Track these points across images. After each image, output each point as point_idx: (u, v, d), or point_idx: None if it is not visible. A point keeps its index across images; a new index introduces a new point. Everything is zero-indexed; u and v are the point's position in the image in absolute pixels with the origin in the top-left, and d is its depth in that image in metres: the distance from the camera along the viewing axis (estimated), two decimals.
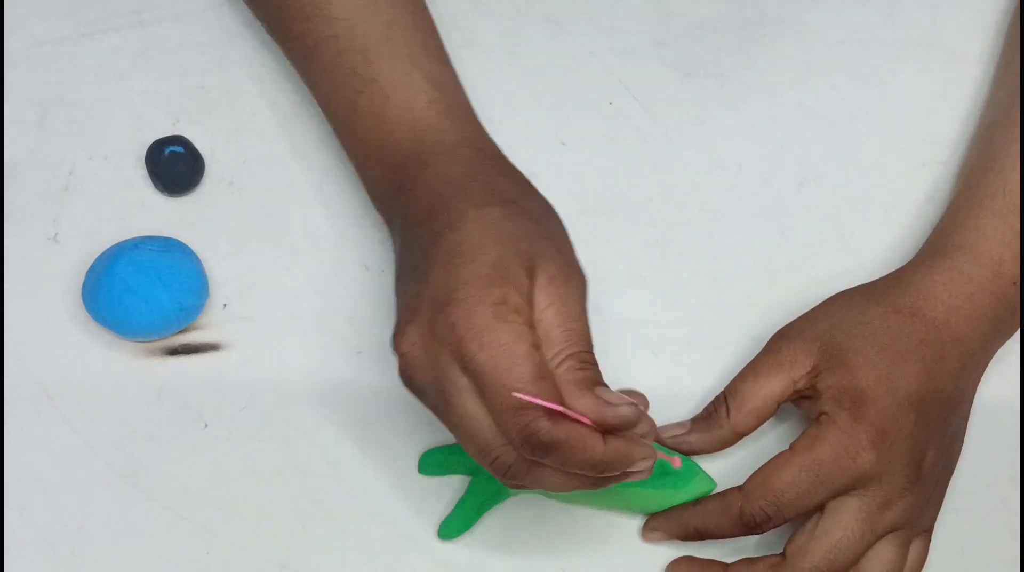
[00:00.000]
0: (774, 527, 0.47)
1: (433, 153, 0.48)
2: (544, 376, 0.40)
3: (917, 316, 0.49)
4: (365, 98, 0.49)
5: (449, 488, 0.51)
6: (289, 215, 0.56)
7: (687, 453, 0.50)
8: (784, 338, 0.50)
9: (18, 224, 0.55)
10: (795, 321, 0.51)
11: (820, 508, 0.47)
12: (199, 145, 0.56)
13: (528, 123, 0.57)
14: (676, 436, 0.50)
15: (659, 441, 0.50)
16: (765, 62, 0.59)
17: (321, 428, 0.52)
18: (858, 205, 0.56)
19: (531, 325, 0.42)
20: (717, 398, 0.50)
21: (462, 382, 0.41)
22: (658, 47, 0.60)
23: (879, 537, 0.47)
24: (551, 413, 0.39)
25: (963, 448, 0.51)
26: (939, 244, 0.52)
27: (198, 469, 0.51)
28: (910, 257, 0.54)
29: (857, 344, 0.48)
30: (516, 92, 0.58)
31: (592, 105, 0.58)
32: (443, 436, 0.52)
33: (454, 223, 0.44)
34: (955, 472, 0.51)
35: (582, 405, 0.40)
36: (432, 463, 0.51)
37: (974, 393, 0.51)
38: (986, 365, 0.51)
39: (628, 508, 0.51)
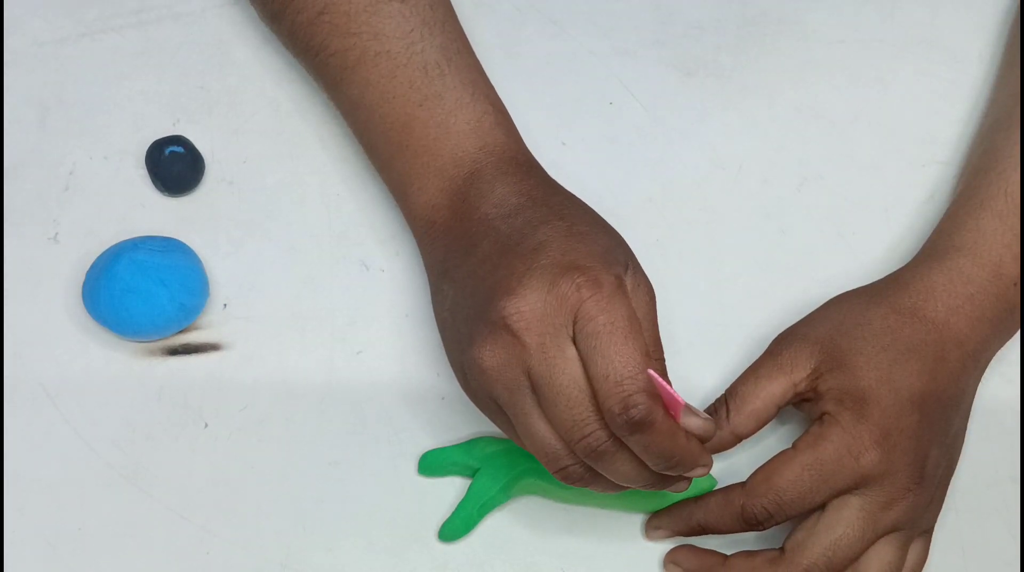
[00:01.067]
0: (775, 524, 0.47)
1: (506, 163, 0.49)
2: (651, 355, 0.42)
3: (918, 317, 0.49)
4: (426, 111, 0.49)
5: (450, 488, 0.51)
6: (289, 215, 0.56)
7: None
8: (784, 341, 0.50)
9: (18, 224, 0.55)
10: (795, 325, 0.51)
11: (822, 506, 0.47)
12: (199, 145, 0.56)
13: (528, 123, 0.57)
14: None
15: None
16: (765, 62, 0.59)
17: (321, 428, 0.52)
18: (858, 205, 0.56)
19: None
20: (718, 400, 0.50)
21: (572, 352, 0.41)
22: (658, 47, 0.60)
23: (879, 536, 0.47)
24: (649, 385, 0.41)
25: (963, 448, 0.51)
26: (939, 245, 0.52)
27: (198, 469, 0.51)
28: (910, 257, 0.54)
29: (858, 345, 0.48)
30: (516, 92, 0.58)
31: (592, 105, 0.58)
32: (439, 439, 0.52)
33: (562, 212, 0.45)
34: (955, 472, 0.51)
35: (675, 403, 0.42)
36: (432, 464, 0.51)
37: (974, 393, 0.51)
38: (986, 365, 0.51)
39: (629, 507, 0.51)
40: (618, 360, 0.40)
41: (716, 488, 0.49)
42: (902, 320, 0.48)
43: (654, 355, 0.43)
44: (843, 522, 0.46)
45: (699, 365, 0.53)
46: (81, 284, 0.52)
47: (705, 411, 0.50)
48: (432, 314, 0.54)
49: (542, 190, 0.48)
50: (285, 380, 0.53)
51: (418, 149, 0.50)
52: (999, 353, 0.53)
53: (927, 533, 0.49)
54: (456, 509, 0.50)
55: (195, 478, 0.51)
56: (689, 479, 0.45)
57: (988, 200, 0.51)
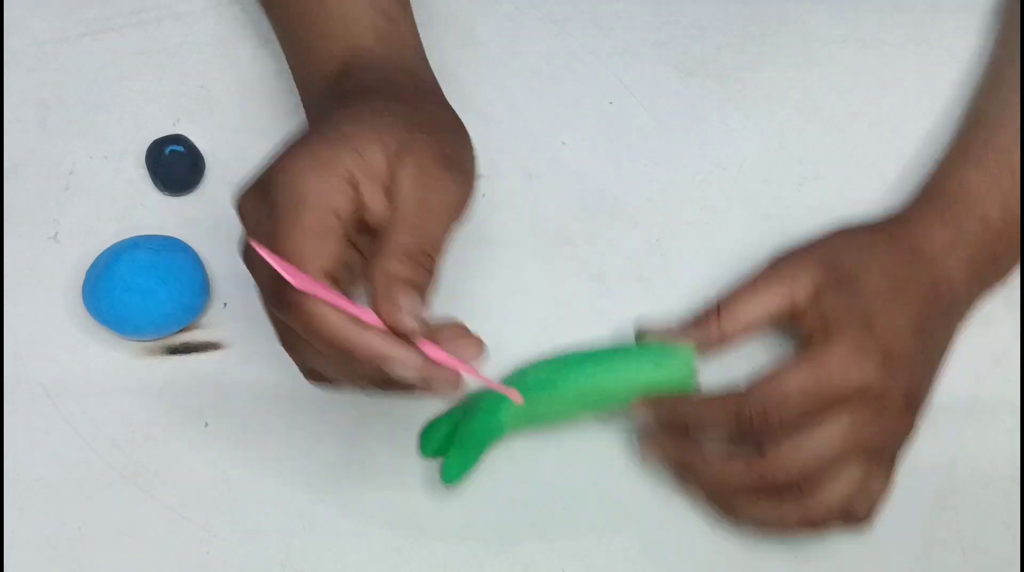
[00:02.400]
0: (768, 428, 0.46)
1: (363, 69, 0.48)
2: (325, 235, 0.40)
3: (916, 253, 0.50)
4: (312, 8, 0.50)
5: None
6: None
7: None
8: (784, 257, 0.50)
9: (18, 223, 0.55)
10: (795, 246, 0.51)
11: (814, 417, 0.47)
12: (199, 144, 0.56)
13: (528, 123, 0.57)
14: (664, 334, 0.51)
15: (641, 339, 0.51)
16: (766, 62, 0.59)
17: (321, 427, 0.52)
18: (858, 205, 0.56)
19: (366, 199, 0.41)
20: (710, 304, 0.50)
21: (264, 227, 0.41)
22: (658, 47, 0.60)
23: (858, 452, 0.47)
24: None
25: (963, 448, 0.51)
26: (932, 193, 0.53)
27: (198, 468, 0.51)
28: None
29: (863, 266, 0.49)
30: (516, 92, 0.58)
31: (592, 105, 0.58)
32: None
33: (339, 107, 0.44)
34: (955, 472, 0.51)
35: (376, 293, 0.40)
36: (431, 443, 0.50)
37: (956, 336, 0.52)
38: (967, 312, 0.52)
39: (622, 396, 0.49)
40: (269, 243, 0.40)
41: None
42: (902, 254, 0.50)
43: (416, 242, 0.41)
44: (828, 435, 0.46)
45: (698, 364, 0.53)
46: (81, 283, 0.52)
47: (696, 314, 0.50)
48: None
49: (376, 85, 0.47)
50: (285, 379, 0.53)
51: (302, 46, 0.51)
52: (999, 353, 0.53)
53: (895, 458, 0.49)
54: (450, 453, 0.49)
55: (195, 477, 0.51)
56: (436, 386, 0.41)
57: (976, 154, 0.53)
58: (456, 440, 0.49)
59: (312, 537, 0.50)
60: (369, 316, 0.40)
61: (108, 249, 0.52)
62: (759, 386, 0.47)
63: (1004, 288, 0.55)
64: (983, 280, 0.52)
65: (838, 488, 0.47)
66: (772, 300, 0.49)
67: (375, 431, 0.52)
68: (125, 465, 0.51)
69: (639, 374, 0.49)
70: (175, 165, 0.55)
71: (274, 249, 0.39)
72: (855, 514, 0.47)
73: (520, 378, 0.50)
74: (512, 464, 0.51)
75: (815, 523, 0.47)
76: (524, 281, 0.54)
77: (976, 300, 0.52)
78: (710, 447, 0.48)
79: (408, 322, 0.40)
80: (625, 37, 0.60)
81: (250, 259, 0.41)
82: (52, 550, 0.50)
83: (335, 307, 0.39)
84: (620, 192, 0.57)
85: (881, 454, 0.48)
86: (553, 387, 0.49)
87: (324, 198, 0.40)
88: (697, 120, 0.58)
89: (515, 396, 0.45)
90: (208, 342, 0.53)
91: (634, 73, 0.59)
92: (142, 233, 0.54)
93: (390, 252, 0.41)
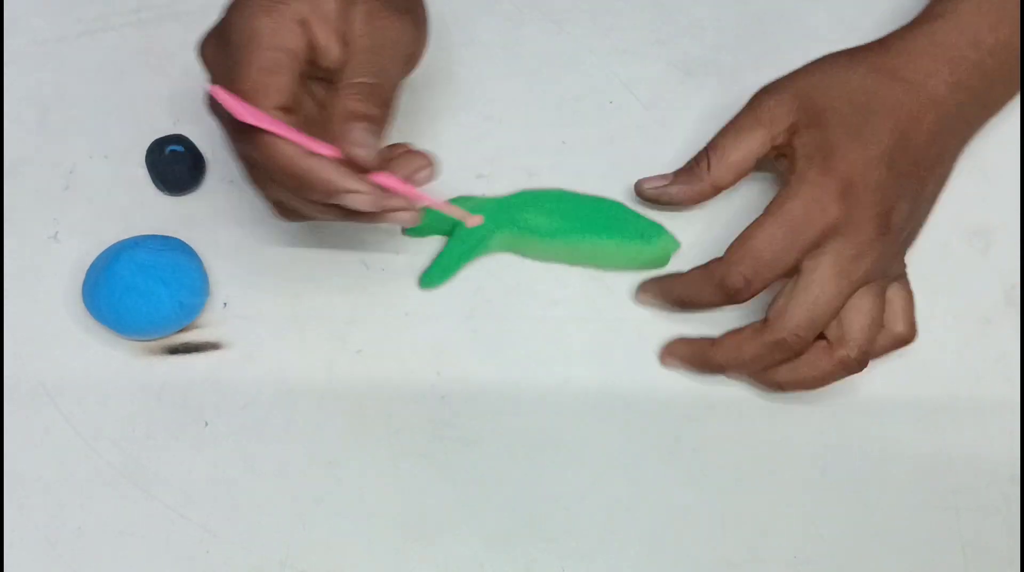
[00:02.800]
0: (754, 293, 0.48)
1: None
2: (276, 71, 0.42)
3: (896, 77, 0.50)
4: None
5: (448, 486, 0.51)
6: None
7: (668, 204, 0.53)
8: (764, 95, 0.52)
9: (18, 223, 0.55)
10: (779, 79, 0.52)
11: (797, 270, 0.48)
12: (200, 144, 0.56)
13: (528, 123, 0.57)
14: (657, 186, 0.53)
15: (640, 191, 0.54)
16: (766, 61, 0.59)
17: (321, 428, 0.52)
18: None
19: (320, 40, 0.44)
20: (699, 153, 0.52)
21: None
22: (658, 46, 0.60)
23: (855, 290, 0.48)
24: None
25: (962, 447, 0.51)
26: (920, 19, 0.53)
27: (198, 468, 0.51)
28: (910, 254, 0.54)
29: (834, 103, 0.49)
30: (516, 92, 0.58)
31: (592, 105, 0.58)
32: (438, 439, 0.52)
33: None
34: (955, 471, 0.51)
35: (334, 130, 0.42)
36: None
37: (953, 162, 0.53)
38: (966, 137, 0.53)
39: (602, 263, 0.54)
40: (224, 82, 0.42)
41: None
42: (880, 79, 0.50)
43: (370, 78, 0.43)
44: (818, 280, 0.47)
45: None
46: (81, 283, 0.52)
47: (687, 163, 0.53)
48: (432, 313, 0.54)
49: None
50: (285, 379, 0.53)
51: None
52: (998, 352, 0.53)
53: (902, 277, 0.51)
54: (435, 260, 0.53)
55: (195, 477, 0.51)
56: (395, 213, 0.44)
57: None
58: (441, 254, 0.53)
59: (312, 537, 0.50)
60: (325, 149, 0.42)
61: (108, 249, 0.52)
62: (733, 249, 0.48)
63: (1004, 286, 0.55)
64: (980, 101, 0.52)
65: (858, 322, 0.48)
66: (754, 142, 0.51)
67: (375, 431, 0.52)
68: (125, 464, 0.51)
69: (627, 249, 0.53)
70: (175, 165, 0.55)
71: (231, 88, 0.42)
72: (896, 332, 0.50)
73: (520, 209, 0.53)
74: (512, 464, 0.51)
75: (853, 362, 0.49)
76: (524, 280, 0.54)
77: (975, 124, 0.53)
78: (721, 338, 0.50)
79: (360, 153, 0.42)
80: (625, 37, 0.60)
81: (212, 103, 0.43)
82: (52, 550, 0.50)
83: (291, 141, 0.42)
84: (620, 192, 0.57)
85: (883, 279, 0.49)
86: (549, 236, 0.53)
87: (276, 37, 0.43)
88: (698, 119, 0.58)
89: (473, 220, 0.48)
90: (208, 342, 0.53)
91: (634, 73, 0.59)
92: (142, 233, 0.54)
93: (345, 89, 0.43)
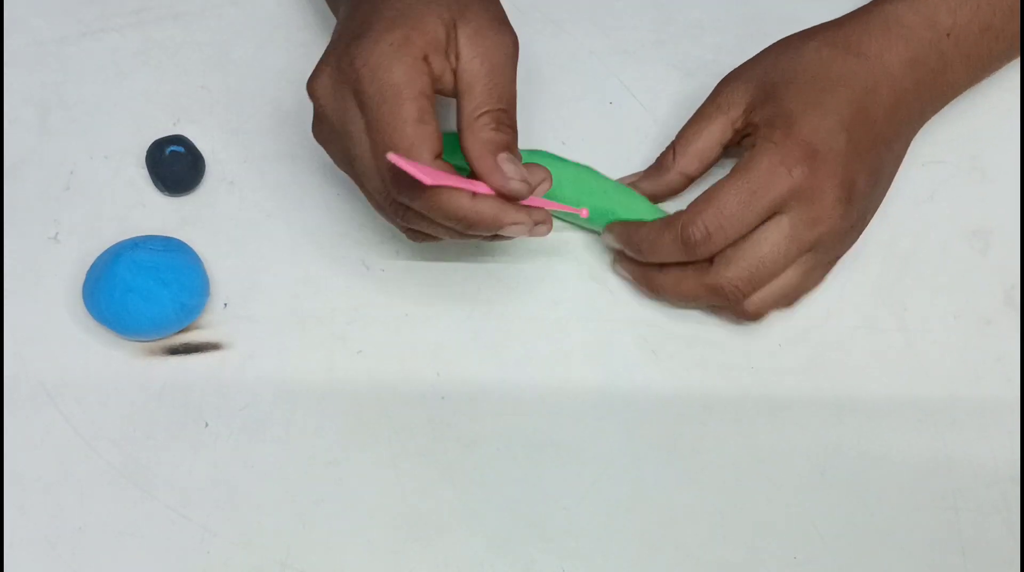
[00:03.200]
0: (715, 249, 0.49)
1: None
2: (426, 120, 0.43)
3: (850, 51, 0.51)
4: None
5: (448, 486, 0.51)
6: (289, 215, 0.56)
7: None
8: (723, 84, 0.53)
9: (19, 223, 0.55)
10: (738, 67, 0.53)
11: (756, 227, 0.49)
12: (199, 145, 0.56)
13: (528, 123, 0.57)
14: (628, 183, 0.54)
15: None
16: None
17: (321, 428, 0.52)
18: None
19: (437, 71, 0.45)
20: (667, 147, 0.53)
21: (360, 123, 0.44)
22: (658, 47, 0.60)
23: (800, 255, 0.49)
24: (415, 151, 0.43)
25: (962, 447, 0.52)
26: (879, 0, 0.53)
27: (198, 468, 0.51)
28: (910, 255, 0.55)
29: (789, 76, 0.50)
30: (516, 92, 0.58)
31: (592, 105, 0.58)
32: (439, 439, 0.52)
33: None
34: (955, 471, 0.51)
35: (481, 167, 0.45)
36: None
37: (907, 143, 0.53)
38: (920, 120, 0.54)
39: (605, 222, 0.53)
40: (376, 135, 0.43)
41: None
42: (834, 52, 0.51)
43: (499, 105, 0.45)
44: (770, 239, 0.48)
45: (699, 365, 0.53)
46: (82, 283, 0.52)
47: (657, 159, 0.54)
48: (432, 314, 0.54)
49: None
50: (285, 379, 0.53)
51: None
52: (998, 351, 0.53)
53: (832, 262, 0.52)
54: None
55: (195, 477, 0.51)
56: (514, 232, 0.46)
57: None
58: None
59: (312, 537, 0.50)
60: (481, 187, 0.44)
61: (108, 249, 0.52)
62: (696, 205, 0.49)
63: (1004, 286, 0.55)
64: (934, 83, 0.52)
65: (777, 286, 0.49)
66: (715, 129, 0.52)
67: (375, 431, 0.52)
68: (125, 464, 0.51)
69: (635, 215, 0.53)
70: (175, 165, 0.55)
71: (387, 144, 0.43)
72: (784, 304, 0.51)
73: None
74: (512, 464, 0.51)
75: (747, 314, 0.50)
76: (524, 280, 0.54)
77: (929, 106, 0.53)
78: (668, 268, 0.51)
79: (517, 187, 0.45)
80: (625, 37, 0.60)
81: (391, 167, 0.43)
82: (52, 549, 0.50)
83: (457, 189, 0.44)
84: None
85: (823, 253, 0.50)
86: (573, 197, 0.52)
87: (414, 84, 0.43)
88: None
89: (584, 213, 0.49)
90: (208, 342, 0.53)
91: (634, 73, 0.59)
92: (142, 233, 0.54)
93: (475, 120, 0.45)
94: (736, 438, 0.52)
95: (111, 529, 0.50)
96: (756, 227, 0.49)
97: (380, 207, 0.47)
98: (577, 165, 0.53)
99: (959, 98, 0.58)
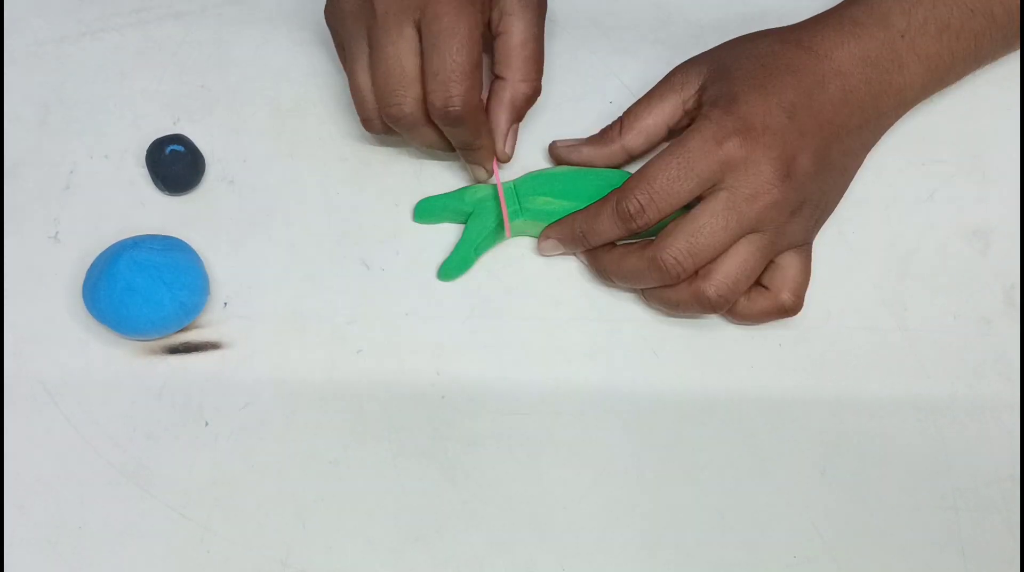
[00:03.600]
0: (650, 221, 0.50)
1: None
2: (479, 65, 0.48)
3: (802, 47, 0.51)
4: None
5: (448, 486, 0.51)
6: (289, 214, 0.56)
7: (578, 164, 0.55)
8: (679, 67, 0.54)
9: (19, 223, 0.55)
10: (697, 54, 0.54)
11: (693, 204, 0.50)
12: (199, 144, 0.56)
13: (529, 123, 0.57)
14: (569, 146, 0.55)
15: (552, 151, 0.56)
16: None
17: (321, 427, 0.52)
18: (858, 203, 0.56)
19: (485, 18, 0.50)
20: (615, 120, 0.54)
21: (409, 33, 0.48)
22: (658, 47, 0.60)
23: (744, 233, 0.49)
24: (471, 92, 0.48)
25: (962, 447, 0.52)
26: (839, 4, 0.54)
27: (199, 467, 0.51)
28: (910, 255, 0.55)
29: (740, 62, 0.51)
30: None
31: (592, 105, 0.58)
32: (439, 438, 0.52)
33: None
34: (955, 471, 0.51)
35: (501, 128, 0.53)
36: (426, 211, 0.54)
37: (862, 140, 0.53)
38: (876, 118, 0.53)
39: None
40: (450, 62, 0.47)
41: None
42: (786, 47, 0.52)
43: (533, 75, 0.52)
44: (708, 212, 0.49)
45: (699, 365, 0.53)
46: (82, 283, 0.52)
47: (602, 130, 0.55)
48: (432, 313, 0.54)
49: None
50: (285, 379, 0.53)
51: None
52: (997, 351, 0.53)
53: (804, 247, 0.51)
54: (453, 251, 0.53)
55: (195, 476, 0.51)
56: (478, 174, 0.54)
57: None
58: (459, 245, 0.54)
59: (312, 536, 0.50)
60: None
61: (108, 249, 0.52)
62: (631, 179, 0.50)
63: (1004, 286, 0.55)
64: (888, 83, 0.52)
65: (728, 266, 0.49)
66: (665, 108, 0.53)
67: (375, 431, 0.52)
68: (125, 464, 0.51)
69: None
70: (175, 165, 0.55)
71: (459, 83, 0.48)
72: (780, 299, 0.51)
73: (530, 194, 0.54)
74: (512, 464, 0.51)
75: (705, 298, 0.50)
76: (524, 280, 0.54)
77: (885, 104, 0.53)
78: (618, 246, 0.52)
79: (508, 154, 0.53)
80: (625, 37, 0.60)
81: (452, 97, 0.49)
82: (52, 548, 0.50)
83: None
84: None
85: (776, 235, 0.50)
86: (562, 216, 0.53)
87: (476, 30, 0.49)
88: None
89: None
90: (208, 342, 0.53)
91: (634, 73, 0.59)
92: (142, 233, 0.54)
93: (518, 84, 0.52)
94: (736, 438, 0.52)
95: (111, 529, 0.50)
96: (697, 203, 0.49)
97: (359, 107, 0.51)
98: (565, 171, 0.55)
99: (959, 98, 0.58)
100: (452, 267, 0.54)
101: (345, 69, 0.52)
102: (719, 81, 0.51)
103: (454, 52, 0.47)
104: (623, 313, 0.54)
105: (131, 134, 0.57)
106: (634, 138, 0.54)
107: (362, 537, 0.50)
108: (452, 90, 0.48)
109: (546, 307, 0.54)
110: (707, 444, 0.52)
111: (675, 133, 0.53)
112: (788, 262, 0.51)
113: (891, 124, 0.55)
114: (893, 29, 0.52)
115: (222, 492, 0.51)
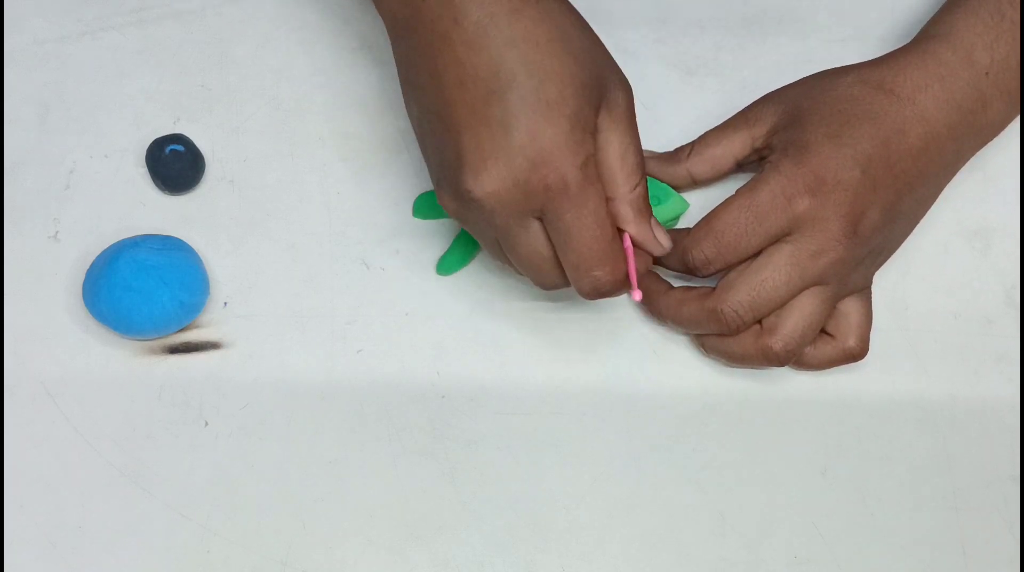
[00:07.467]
0: (715, 272, 0.50)
1: None
2: (616, 235, 0.46)
3: (883, 89, 0.50)
4: None
5: (448, 486, 0.51)
6: (289, 214, 0.56)
7: None
8: (759, 100, 0.53)
9: (19, 222, 0.55)
10: (778, 88, 0.53)
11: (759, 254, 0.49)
12: (199, 143, 0.56)
13: None
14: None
15: None
16: (766, 61, 0.59)
17: (321, 427, 0.52)
18: None
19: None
20: (688, 142, 0.54)
21: (535, 227, 0.45)
22: (658, 45, 0.59)
23: (806, 286, 0.48)
24: (616, 266, 0.46)
25: (963, 447, 0.52)
26: (918, 37, 0.53)
27: (198, 467, 0.51)
28: (910, 254, 0.55)
29: (817, 106, 0.50)
30: None
31: None
32: (439, 438, 0.52)
33: (528, 58, 0.43)
34: (955, 471, 0.51)
35: (645, 236, 0.47)
36: (426, 206, 0.55)
37: (938, 185, 0.52)
38: (955, 161, 0.52)
39: None
40: (586, 253, 0.45)
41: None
42: (867, 90, 0.50)
43: (629, 187, 0.46)
44: (771, 265, 0.48)
45: (699, 365, 0.53)
46: (81, 282, 0.52)
47: (675, 149, 0.55)
48: (432, 313, 0.54)
49: (507, 6, 0.44)
50: (285, 378, 0.53)
51: None
52: (998, 351, 0.53)
53: (864, 292, 0.51)
54: (450, 247, 0.53)
55: (195, 476, 0.51)
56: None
57: (969, 3, 0.52)
58: (456, 240, 0.54)
59: (312, 536, 0.50)
60: (629, 247, 0.47)
61: (108, 248, 0.52)
62: (698, 228, 0.50)
63: (1005, 286, 0.55)
64: (971, 124, 0.51)
65: (795, 320, 0.49)
66: (735, 141, 0.52)
67: (375, 430, 0.52)
68: (125, 464, 0.51)
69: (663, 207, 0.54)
70: (175, 164, 0.55)
71: (593, 256, 0.45)
72: (847, 346, 0.50)
73: None
74: (512, 464, 0.51)
75: (772, 354, 0.49)
76: (524, 279, 0.54)
77: (966, 147, 0.52)
78: (673, 290, 0.52)
79: (666, 247, 0.48)
80: (625, 36, 0.60)
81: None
82: (52, 548, 0.50)
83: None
84: None
85: (839, 285, 0.49)
86: None
87: (603, 209, 0.46)
88: (697, 119, 0.58)
89: (636, 296, 0.48)
90: (208, 342, 0.53)
91: (634, 72, 0.59)
92: (142, 232, 0.54)
93: (632, 192, 0.46)
94: (736, 438, 0.52)
95: (111, 528, 0.50)
96: (760, 252, 0.49)
97: (541, 282, 0.48)
98: None
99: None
100: (449, 263, 0.54)
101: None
102: (792, 126, 0.50)
103: (586, 243, 0.45)
104: (624, 313, 0.54)
105: (131, 134, 0.57)
106: (700, 164, 0.53)
107: (362, 537, 0.50)
108: (597, 274, 0.46)
109: (546, 307, 0.54)
110: (707, 444, 0.52)
111: (743, 167, 0.53)
112: (851, 308, 0.50)
113: (965, 164, 0.53)
114: (978, 67, 0.50)
115: (222, 492, 0.51)
